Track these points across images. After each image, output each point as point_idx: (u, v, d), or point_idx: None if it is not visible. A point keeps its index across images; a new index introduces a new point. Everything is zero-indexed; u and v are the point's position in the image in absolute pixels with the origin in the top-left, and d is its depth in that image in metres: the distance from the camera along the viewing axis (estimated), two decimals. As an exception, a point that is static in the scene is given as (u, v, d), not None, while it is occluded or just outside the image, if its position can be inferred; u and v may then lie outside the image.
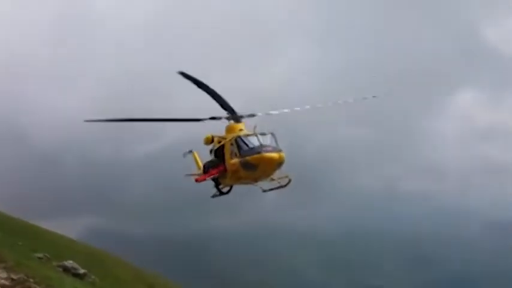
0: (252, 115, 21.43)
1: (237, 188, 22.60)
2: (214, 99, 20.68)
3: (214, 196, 22.69)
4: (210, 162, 21.90)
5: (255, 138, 19.81)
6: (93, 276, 27.23)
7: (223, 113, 21.43)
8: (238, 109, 21.50)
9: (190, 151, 25.03)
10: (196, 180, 22.39)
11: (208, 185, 22.49)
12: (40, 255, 24.94)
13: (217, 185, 22.35)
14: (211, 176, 21.66)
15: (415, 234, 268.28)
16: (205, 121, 21.49)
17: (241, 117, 21.45)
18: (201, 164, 24.07)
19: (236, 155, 20.04)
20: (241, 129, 21.00)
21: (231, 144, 20.42)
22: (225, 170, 20.95)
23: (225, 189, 22.59)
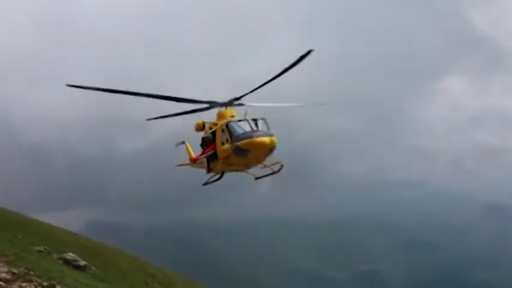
0: (237, 98, 20.95)
1: (229, 180, 22.29)
2: (133, 95, 19.14)
3: (206, 184, 22.39)
4: (207, 138, 21.51)
5: (246, 123, 19.68)
6: (93, 268, 27.34)
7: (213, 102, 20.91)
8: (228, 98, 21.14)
9: (183, 142, 24.92)
10: (191, 160, 23.11)
11: (201, 177, 22.41)
12: (40, 248, 24.98)
13: (209, 171, 22.05)
14: (206, 155, 21.42)
15: (406, 220, 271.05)
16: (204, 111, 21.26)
17: (228, 103, 21.10)
18: (193, 154, 24.07)
19: (227, 140, 19.86)
20: (232, 116, 20.80)
21: (222, 130, 20.23)
22: (216, 156, 20.74)
23: (215, 177, 22.22)
